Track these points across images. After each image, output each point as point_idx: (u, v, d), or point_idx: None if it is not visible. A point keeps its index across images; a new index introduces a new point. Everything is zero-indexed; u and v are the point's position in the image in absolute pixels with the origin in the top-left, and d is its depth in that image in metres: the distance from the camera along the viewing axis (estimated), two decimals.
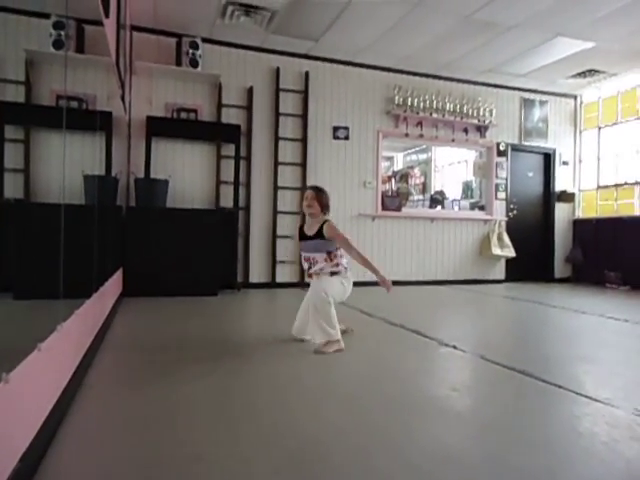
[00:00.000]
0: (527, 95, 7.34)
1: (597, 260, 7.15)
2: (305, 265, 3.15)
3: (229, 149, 5.75)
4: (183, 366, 2.47)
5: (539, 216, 7.57)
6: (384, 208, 6.58)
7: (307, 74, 6.14)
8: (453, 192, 8.23)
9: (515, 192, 7.34)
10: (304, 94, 6.13)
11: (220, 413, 1.85)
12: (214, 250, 5.17)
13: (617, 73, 6.68)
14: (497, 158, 7.17)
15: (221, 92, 5.75)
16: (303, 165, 6.13)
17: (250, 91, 5.88)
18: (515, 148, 7.30)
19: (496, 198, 7.16)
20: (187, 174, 5.67)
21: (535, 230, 7.52)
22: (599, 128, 7.41)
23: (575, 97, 7.66)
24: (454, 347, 3.00)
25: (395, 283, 6.44)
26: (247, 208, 5.88)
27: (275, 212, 6.00)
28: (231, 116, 5.81)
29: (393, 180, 7.65)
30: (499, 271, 7.16)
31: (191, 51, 5.43)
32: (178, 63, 5.49)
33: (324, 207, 3.12)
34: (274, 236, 5.98)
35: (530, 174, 7.54)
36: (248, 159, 5.89)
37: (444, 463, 1.48)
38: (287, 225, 6.06)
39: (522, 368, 2.52)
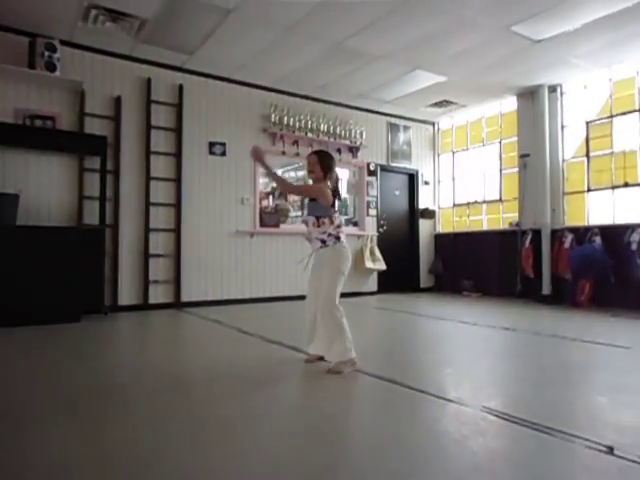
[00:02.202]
0: (393, 120, 7.96)
1: (455, 270, 7.95)
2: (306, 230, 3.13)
3: (94, 162, 5.32)
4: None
5: (406, 231, 8.21)
6: (263, 224, 6.60)
7: (181, 87, 5.96)
8: None
9: (384, 209, 7.88)
10: (178, 108, 5.93)
11: None
12: (76, 271, 4.70)
13: (466, 105, 7.58)
14: (368, 177, 7.65)
15: (84, 100, 5.31)
16: (178, 180, 5.90)
17: (118, 101, 5.53)
18: (384, 168, 7.86)
19: (368, 215, 7.62)
20: (43, 188, 5.11)
21: (402, 244, 8.13)
22: (453, 152, 8.31)
23: (433, 124, 8.51)
24: (324, 359, 3.09)
25: (274, 299, 6.56)
26: (115, 225, 5.47)
27: (147, 229, 5.67)
28: (96, 127, 5.39)
29: (271, 197, 7.71)
30: (372, 283, 7.59)
31: (47, 53, 4.93)
32: (31, 65, 4.95)
33: (327, 169, 3.00)
34: (146, 255, 5.64)
35: (397, 192, 8.16)
36: (116, 173, 5.50)
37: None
38: (160, 243, 5.77)
39: (390, 377, 2.68)
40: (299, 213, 8.05)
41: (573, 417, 2.08)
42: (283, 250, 6.77)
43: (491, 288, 7.34)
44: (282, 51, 5.54)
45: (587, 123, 6.42)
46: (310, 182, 3.12)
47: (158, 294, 5.75)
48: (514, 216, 7.16)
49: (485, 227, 7.73)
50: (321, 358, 3.01)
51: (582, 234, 6.13)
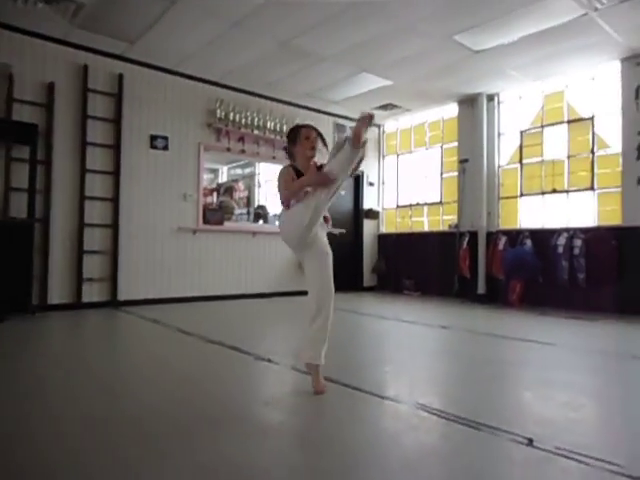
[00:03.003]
0: (340, 120, 8.04)
1: (397, 270, 8.16)
2: None
3: (23, 151, 4.99)
4: None
5: (350, 231, 8.32)
6: (206, 222, 6.46)
7: (121, 76, 5.71)
8: (276, 207, 8.53)
9: (331, 209, 7.92)
10: (117, 98, 5.68)
11: None
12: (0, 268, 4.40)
13: (411, 109, 7.79)
14: None
15: (12, 85, 4.96)
16: (116, 174, 5.65)
17: (51, 87, 5.21)
18: None
19: None
20: None
21: (347, 244, 8.22)
22: (397, 155, 8.52)
23: (379, 126, 8.68)
24: (269, 360, 3.08)
25: (216, 298, 6.44)
26: (46, 219, 5.16)
27: (82, 224, 5.39)
28: (25, 114, 5.06)
29: (216, 193, 7.57)
30: None
31: None
32: None
33: (292, 144, 2.66)
34: (80, 251, 5.37)
35: (342, 192, 8.21)
36: (48, 164, 5.19)
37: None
38: (97, 239, 5.51)
39: (331, 376, 2.71)
40: (244, 211, 7.97)
41: (499, 411, 2.19)
42: (227, 248, 6.66)
43: (431, 287, 7.59)
44: (229, 46, 5.45)
45: (521, 132, 6.78)
46: (309, 156, 2.56)
47: (93, 292, 5.48)
48: (453, 218, 7.44)
49: (426, 228, 7.98)
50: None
51: (514, 237, 6.48)
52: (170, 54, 5.73)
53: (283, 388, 2.65)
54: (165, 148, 6.08)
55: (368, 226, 8.45)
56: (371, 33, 5.09)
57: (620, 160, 5.75)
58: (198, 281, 6.35)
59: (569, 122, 6.29)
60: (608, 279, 5.60)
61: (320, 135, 2.59)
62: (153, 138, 5.99)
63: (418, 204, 8.12)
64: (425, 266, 7.72)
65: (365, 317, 5.39)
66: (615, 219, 5.77)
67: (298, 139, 2.55)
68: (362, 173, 8.38)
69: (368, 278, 8.42)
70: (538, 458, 1.66)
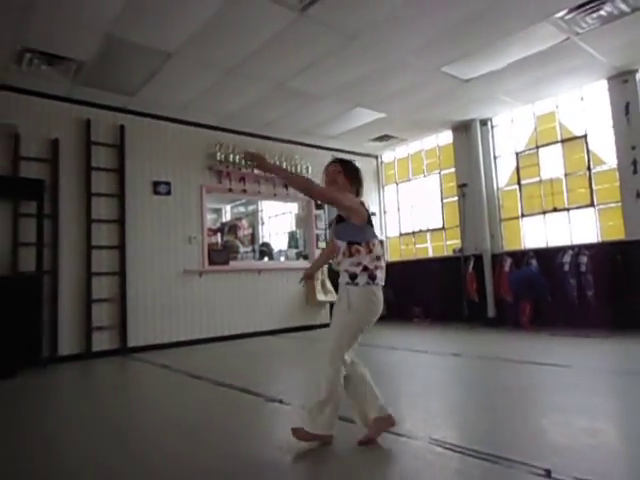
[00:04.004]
0: (338, 154, 8.18)
1: (405, 298, 8.12)
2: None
3: (30, 207, 5.11)
4: None
5: None
6: (211, 263, 6.51)
7: (123, 128, 5.89)
8: (280, 242, 8.60)
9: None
10: (120, 148, 5.84)
11: None
12: (10, 322, 4.44)
13: (406, 138, 7.94)
14: (316, 210, 7.78)
15: (18, 143, 5.13)
16: (121, 222, 5.75)
17: (55, 143, 5.38)
18: None
19: (317, 247, 7.70)
20: None
21: None
22: (397, 183, 8.62)
23: (377, 157, 8.82)
24: (280, 402, 3.06)
25: (225, 338, 6.43)
26: (54, 271, 5.23)
27: (89, 273, 5.46)
28: (32, 170, 5.20)
29: (220, 233, 7.66)
30: (324, 316, 7.60)
31: None
32: None
33: (353, 181, 2.37)
34: (89, 300, 5.41)
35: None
36: (54, 217, 5.30)
37: None
38: (104, 287, 5.56)
39: (343, 414, 2.68)
40: (249, 249, 8.03)
41: (515, 442, 2.16)
42: (233, 287, 6.69)
43: (440, 313, 7.54)
44: (225, 92, 5.63)
45: (517, 154, 6.87)
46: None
47: (103, 341, 5.50)
48: (457, 243, 7.46)
49: (430, 254, 7.99)
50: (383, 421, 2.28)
51: (519, 258, 6.47)
52: (168, 103, 5.92)
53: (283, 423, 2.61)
54: (168, 193, 6.20)
55: None
56: (362, 71, 5.25)
57: (617, 175, 5.79)
58: (207, 323, 6.36)
59: (563, 141, 6.38)
60: (616, 294, 5.55)
61: (345, 169, 2.41)
62: (156, 184, 6.12)
63: (421, 231, 8.16)
64: (432, 292, 7.69)
65: (375, 349, 5.34)
66: (618, 234, 5.77)
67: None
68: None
69: None
70: None
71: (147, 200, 6.04)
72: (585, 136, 6.15)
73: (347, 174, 2.33)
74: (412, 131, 7.54)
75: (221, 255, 6.72)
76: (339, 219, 2.31)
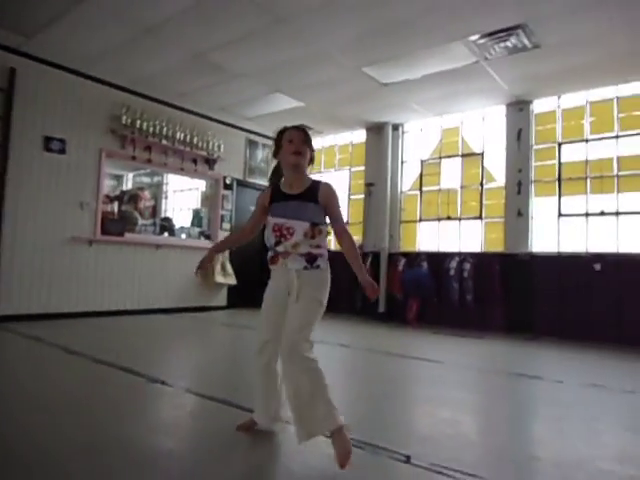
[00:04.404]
0: (252, 137, 8.07)
1: None
2: (271, 239, 2.05)
3: None
4: None
5: (258, 247, 8.28)
6: (105, 232, 6.09)
7: (13, 71, 5.26)
8: (184, 219, 8.28)
9: (239, 224, 7.89)
10: (8, 93, 5.21)
11: None
12: None
13: (322, 131, 8.04)
14: (224, 191, 7.60)
15: None
16: (1, 175, 5.16)
17: None
18: (240, 183, 7.89)
19: (221, 228, 7.55)
20: None
21: (255, 260, 8.18)
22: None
23: None
24: (163, 383, 2.97)
25: (115, 313, 6.08)
26: None
27: None
28: None
29: (117, 202, 7.18)
30: (221, 298, 7.50)
31: None
32: None
33: (312, 159, 2.14)
34: None
35: (252, 208, 8.23)
36: None
37: None
38: None
39: (226, 398, 2.68)
40: (148, 222, 7.63)
41: (385, 429, 2.32)
42: (127, 261, 6.33)
43: (338, 306, 7.76)
44: (139, 52, 5.26)
45: (422, 161, 7.29)
46: (292, 162, 2.04)
47: None
48: (359, 239, 7.74)
49: (333, 247, 8.21)
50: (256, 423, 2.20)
51: (413, 259, 6.90)
52: (72, 53, 5.39)
53: (174, 412, 2.56)
54: (61, 152, 5.67)
55: None
56: (286, 56, 5.21)
57: (504, 193, 6.40)
58: (93, 295, 5.95)
59: (463, 156, 6.89)
60: (493, 300, 6.16)
61: (307, 139, 2.09)
62: (48, 140, 5.56)
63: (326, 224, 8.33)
64: (333, 285, 7.88)
65: None
66: (499, 246, 6.38)
67: (282, 143, 2.09)
68: None
69: None
70: (414, 474, 1.78)
71: (36, 156, 5.47)
72: (482, 154, 6.69)
73: (309, 145, 2.10)
74: (328, 125, 7.66)
75: (116, 225, 6.31)
76: (303, 196, 2.03)
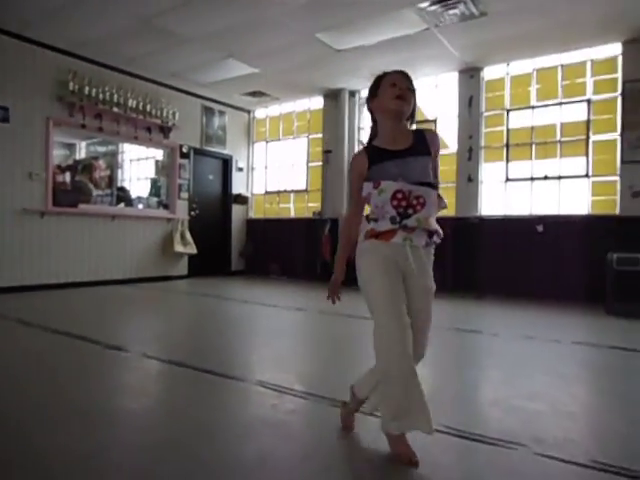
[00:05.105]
0: (208, 104, 7.93)
1: (264, 254, 8.39)
2: (390, 211, 1.62)
3: None
4: None
5: (218, 216, 8.32)
6: (57, 204, 5.97)
7: None
8: (141, 189, 8.15)
9: (197, 193, 7.85)
10: None
11: None
12: None
13: (279, 98, 7.98)
14: (180, 160, 7.51)
15: None
16: None
17: None
18: (197, 152, 7.80)
19: (179, 198, 7.49)
20: None
21: (215, 228, 8.23)
22: (267, 141, 8.68)
23: (249, 112, 8.74)
24: (119, 349, 3.06)
25: (70, 285, 6.04)
26: None
27: None
28: None
29: (70, 172, 6.99)
30: (182, 267, 7.53)
31: None
32: None
33: (413, 113, 1.75)
34: None
35: (211, 177, 8.20)
36: None
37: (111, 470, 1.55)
38: None
39: (183, 360, 2.80)
40: (104, 193, 7.49)
41: (325, 381, 2.50)
42: (82, 232, 6.24)
43: (296, 271, 7.96)
44: (81, 14, 5.04)
45: None
46: (396, 109, 1.66)
47: None
48: (318, 206, 7.86)
49: (293, 215, 8.31)
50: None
51: None
52: (10, 15, 5.12)
53: (133, 376, 2.67)
54: (4, 120, 5.46)
55: (237, 211, 8.52)
56: (235, 20, 5.12)
57: (456, 159, 6.61)
58: (47, 267, 5.87)
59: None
60: (444, 262, 6.44)
61: (412, 86, 1.70)
62: None
63: (286, 191, 8.40)
64: (291, 251, 8.06)
65: (229, 301, 5.52)
66: (450, 210, 6.63)
67: (380, 89, 1.71)
68: (230, 158, 8.40)
69: (236, 263, 8.53)
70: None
71: None
72: (435, 120, 6.85)
73: (414, 94, 1.71)
74: (285, 91, 7.61)
75: (69, 196, 6.18)
76: (417, 148, 1.66)
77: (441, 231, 1.68)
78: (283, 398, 2.20)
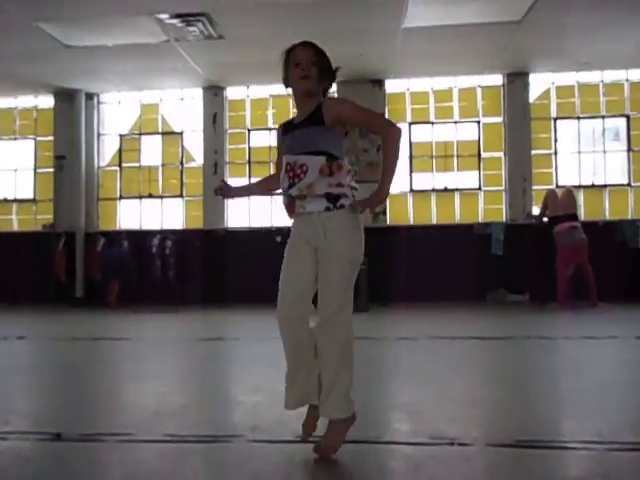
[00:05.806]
0: None
1: None
2: (285, 182, 1.60)
3: None
4: None
5: None
6: None
7: None
8: None
9: None
10: None
11: None
12: None
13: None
14: None
15: None
16: None
17: None
18: None
19: None
20: None
21: None
22: None
23: None
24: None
25: None
26: None
27: None
28: None
29: None
30: None
31: None
32: None
33: (328, 78, 1.62)
34: None
35: None
36: None
37: None
38: None
39: None
40: None
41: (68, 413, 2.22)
42: None
43: (24, 294, 6.76)
44: None
45: (121, 136, 6.97)
46: (300, 89, 1.64)
47: None
48: (49, 218, 6.91)
49: (16, 228, 7.09)
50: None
51: (113, 238, 6.60)
52: None
53: None
54: None
55: None
56: None
57: (202, 172, 6.75)
58: None
59: (163, 134, 6.92)
60: (194, 275, 6.48)
61: (318, 56, 1.63)
62: None
63: (7, 200, 7.11)
64: (17, 271, 6.81)
65: None
66: (199, 223, 6.73)
67: (289, 68, 1.66)
68: None
69: None
70: (67, 448, 1.78)
71: None
72: (181, 133, 6.87)
73: (321, 61, 1.63)
74: (2, 84, 6.47)
75: None
76: (308, 121, 1.63)
77: (348, 191, 1.62)
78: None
